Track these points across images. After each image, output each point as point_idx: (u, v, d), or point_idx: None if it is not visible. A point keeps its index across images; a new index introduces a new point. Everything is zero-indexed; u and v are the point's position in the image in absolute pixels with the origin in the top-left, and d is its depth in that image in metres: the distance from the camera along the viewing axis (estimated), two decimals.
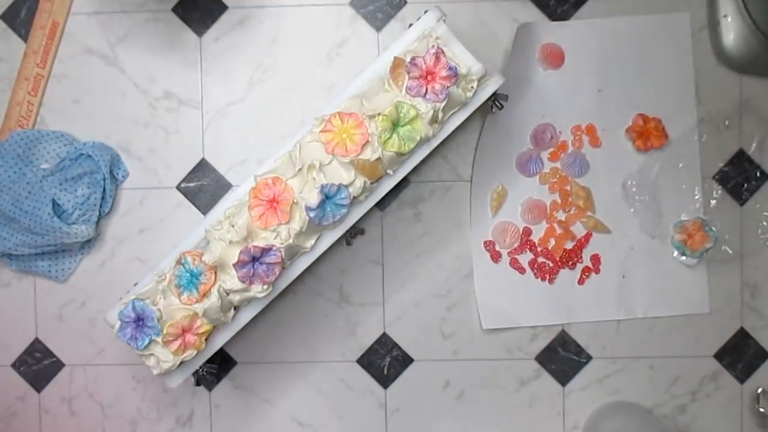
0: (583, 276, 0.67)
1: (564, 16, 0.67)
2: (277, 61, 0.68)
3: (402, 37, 0.58)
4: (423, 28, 0.57)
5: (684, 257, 0.67)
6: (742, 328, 0.68)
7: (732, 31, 0.65)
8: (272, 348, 0.69)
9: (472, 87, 0.57)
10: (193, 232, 0.57)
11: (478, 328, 0.68)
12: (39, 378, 0.69)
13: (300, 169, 0.55)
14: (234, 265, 0.54)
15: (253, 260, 0.55)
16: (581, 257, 0.67)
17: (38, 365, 0.69)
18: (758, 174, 0.67)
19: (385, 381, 0.69)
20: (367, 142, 0.55)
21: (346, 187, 0.55)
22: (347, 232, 0.58)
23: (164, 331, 0.55)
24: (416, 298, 0.68)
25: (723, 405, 0.68)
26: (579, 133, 0.67)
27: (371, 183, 0.56)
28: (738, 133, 0.67)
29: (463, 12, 0.67)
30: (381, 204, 0.65)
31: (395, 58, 0.56)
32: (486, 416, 0.69)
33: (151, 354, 0.56)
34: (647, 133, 0.66)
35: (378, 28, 0.67)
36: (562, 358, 0.68)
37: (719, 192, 0.67)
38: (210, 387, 0.69)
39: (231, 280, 0.55)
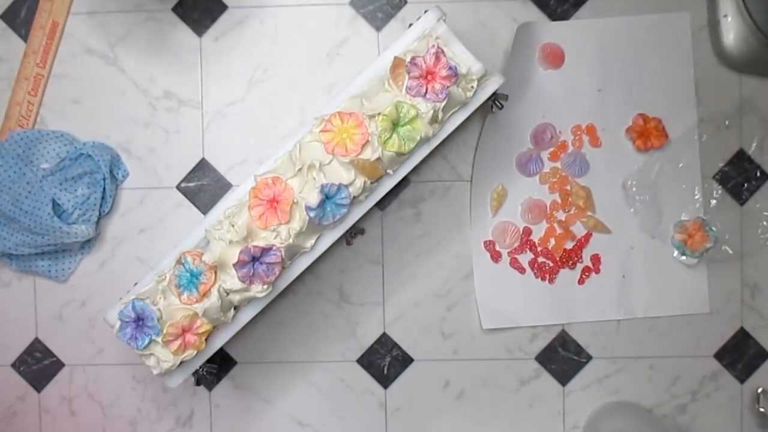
0: (583, 276, 0.67)
1: (564, 16, 0.67)
2: (277, 61, 0.68)
3: (402, 36, 0.58)
4: (423, 28, 0.57)
5: (684, 257, 0.67)
6: (742, 328, 0.68)
7: (732, 31, 0.65)
8: (272, 348, 0.69)
9: (472, 87, 0.57)
10: (193, 232, 0.57)
11: (478, 328, 0.68)
12: (39, 378, 0.69)
13: (300, 169, 0.55)
14: (234, 265, 0.54)
15: (253, 260, 0.55)
16: (581, 257, 0.67)
17: (38, 365, 0.69)
18: (758, 174, 0.67)
19: (385, 381, 0.69)
20: (367, 141, 0.55)
21: (346, 186, 0.55)
22: (347, 232, 0.58)
23: (164, 331, 0.55)
24: (416, 298, 0.68)
25: (723, 405, 0.68)
26: (579, 133, 0.67)
27: (371, 183, 0.56)
28: (738, 133, 0.67)
29: (463, 12, 0.67)
30: (381, 204, 0.65)
31: (395, 57, 0.56)
32: (486, 416, 0.69)
33: (151, 354, 0.56)
34: (647, 133, 0.66)
35: (378, 28, 0.67)
36: (562, 358, 0.68)
37: (719, 192, 0.67)
38: (210, 387, 0.69)
39: (231, 280, 0.55)
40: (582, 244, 0.67)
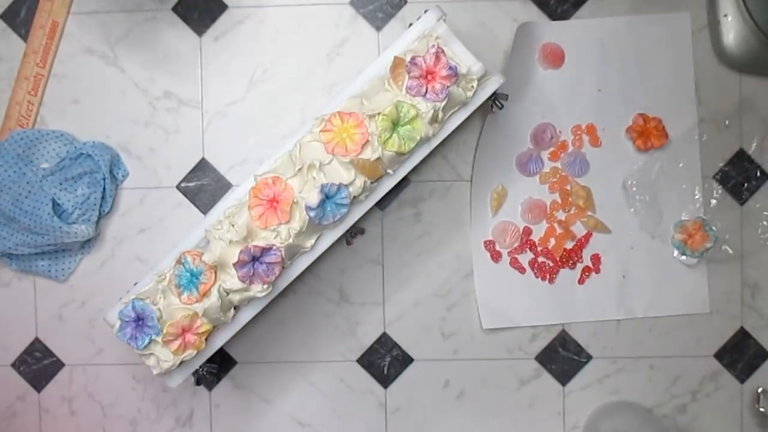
0: (583, 276, 0.67)
1: (564, 16, 0.67)
2: (277, 61, 0.68)
3: (402, 36, 0.58)
4: (423, 28, 0.57)
5: (684, 257, 0.67)
6: (742, 328, 0.68)
7: (732, 31, 0.65)
8: (272, 348, 0.69)
9: (472, 86, 0.57)
10: (193, 231, 0.57)
11: (478, 327, 0.68)
12: (39, 378, 0.69)
13: (300, 169, 0.55)
14: (234, 264, 0.54)
15: (253, 260, 0.55)
16: (581, 257, 0.67)
17: (38, 365, 0.69)
18: (758, 174, 0.67)
19: (385, 381, 0.69)
20: (367, 141, 0.55)
21: (346, 186, 0.55)
22: (347, 231, 0.58)
23: (164, 331, 0.55)
24: (416, 298, 0.68)
25: (723, 405, 0.68)
26: (579, 132, 0.67)
27: (371, 183, 0.56)
28: (738, 133, 0.67)
29: (463, 12, 0.67)
30: (381, 204, 0.65)
31: (395, 57, 0.56)
32: (486, 416, 0.69)
33: (151, 354, 0.56)
34: (647, 133, 0.66)
35: (378, 28, 0.67)
36: (562, 357, 0.68)
37: (719, 192, 0.67)
38: (210, 387, 0.69)
39: (231, 280, 0.55)
40: (582, 244, 0.67)
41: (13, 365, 0.69)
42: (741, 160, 0.67)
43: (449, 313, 0.68)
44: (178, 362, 0.56)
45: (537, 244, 0.67)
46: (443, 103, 0.55)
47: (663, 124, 0.67)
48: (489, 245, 0.68)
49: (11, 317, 0.69)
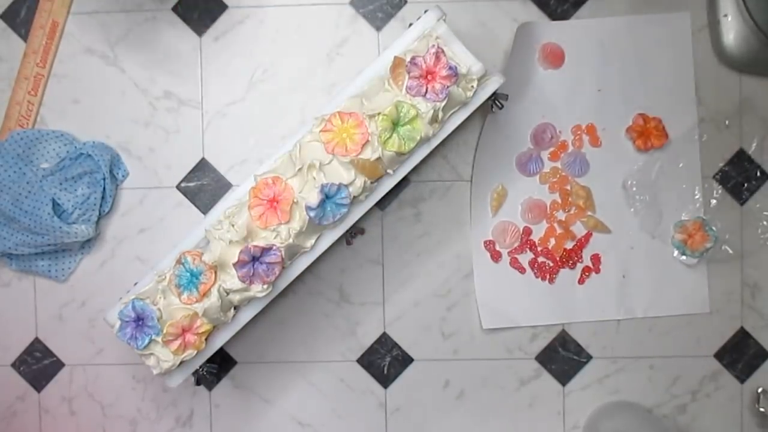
0: (583, 276, 0.67)
1: (564, 16, 0.67)
2: (277, 61, 0.68)
3: (402, 36, 0.58)
4: (423, 28, 0.57)
5: (684, 257, 0.67)
6: (742, 328, 0.68)
7: (732, 31, 0.65)
8: (272, 348, 0.69)
9: (472, 86, 0.57)
10: (193, 231, 0.57)
11: (478, 328, 0.68)
12: (39, 378, 0.69)
13: (300, 169, 0.55)
14: (234, 264, 0.54)
15: (253, 260, 0.55)
16: (581, 257, 0.67)
17: (38, 365, 0.69)
18: (758, 174, 0.67)
19: (385, 381, 0.69)
20: (367, 141, 0.55)
21: (346, 186, 0.55)
22: (347, 231, 0.58)
23: (164, 331, 0.55)
24: (416, 298, 0.68)
25: (723, 405, 0.68)
26: (579, 132, 0.67)
27: (371, 183, 0.56)
28: (738, 133, 0.67)
29: (463, 12, 0.67)
30: (381, 204, 0.65)
31: (395, 57, 0.56)
32: (486, 416, 0.69)
33: (151, 354, 0.56)
34: (647, 133, 0.66)
35: (378, 28, 0.67)
36: (562, 357, 0.68)
37: (719, 192, 0.67)
38: (210, 387, 0.69)
39: (231, 280, 0.55)
40: (582, 244, 0.67)
41: (13, 365, 0.69)
42: (741, 160, 0.67)
43: (449, 313, 0.68)
44: (178, 362, 0.56)
45: (537, 244, 0.67)
46: (443, 103, 0.55)
47: (663, 124, 0.67)
48: (489, 245, 0.68)
49: (11, 317, 0.69)
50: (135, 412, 0.69)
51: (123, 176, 0.68)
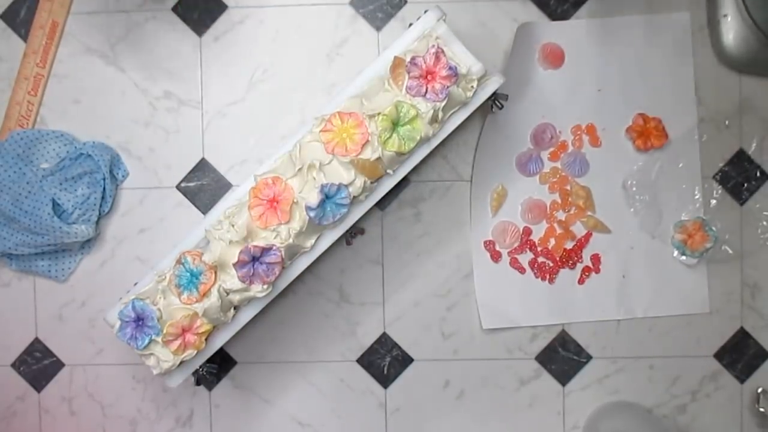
0: (583, 276, 0.67)
1: (564, 16, 0.67)
2: (277, 61, 0.68)
3: (402, 36, 0.58)
4: (423, 28, 0.57)
5: (684, 257, 0.67)
6: (742, 328, 0.68)
7: (732, 31, 0.65)
8: (272, 348, 0.69)
9: (472, 87, 0.57)
10: (193, 232, 0.57)
11: (478, 328, 0.68)
12: (39, 378, 0.69)
13: (300, 169, 0.55)
14: (234, 264, 0.54)
15: (253, 260, 0.55)
16: (581, 257, 0.67)
17: (38, 365, 0.69)
18: (758, 174, 0.67)
19: (385, 381, 0.69)
20: (367, 141, 0.55)
21: (346, 186, 0.55)
22: (347, 231, 0.58)
23: (164, 331, 0.55)
24: (416, 298, 0.68)
25: (723, 405, 0.68)
26: (579, 132, 0.67)
27: (371, 183, 0.56)
28: (738, 133, 0.67)
29: (463, 12, 0.67)
30: (381, 204, 0.65)
31: (395, 57, 0.56)
32: (486, 416, 0.69)
33: (151, 354, 0.56)
34: (647, 133, 0.66)
35: (378, 28, 0.67)
36: (562, 357, 0.68)
37: (719, 192, 0.67)
38: (210, 387, 0.69)
39: (231, 280, 0.55)
40: (582, 244, 0.67)
41: (13, 365, 0.69)
42: (741, 160, 0.67)
43: (449, 313, 0.68)
44: (178, 362, 0.56)
45: (537, 244, 0.67)
46: (443, 103, 0.55)
47: (663, 124, 0.67)
48: (489, 245, 0.68)
49: (11, 317, 0.69)
50: (135, 412, 0.69)
51: (123, 176, 0.68)
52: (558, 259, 0.67)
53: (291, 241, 0.55)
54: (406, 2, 0.67)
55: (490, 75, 0.58)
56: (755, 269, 0.67)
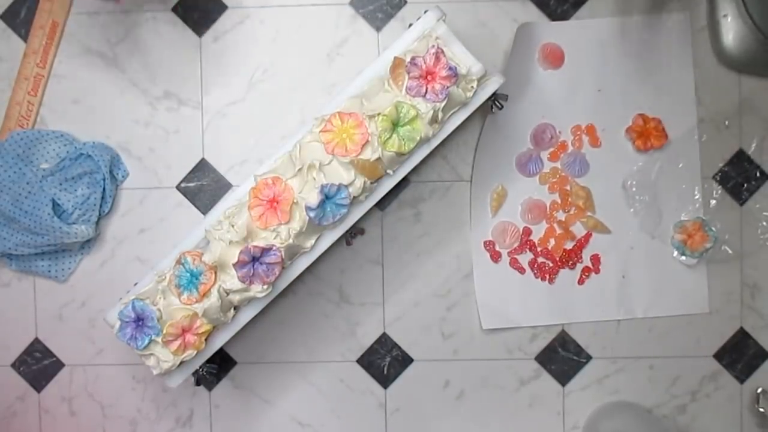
0: (583, 276, 0.68)
1: (564, 16, 0.67)
2: (277, 61, 0.68)
3: (402, 37, 0.58)
4: (423, 28, 0.57)
5: (684, 257, 0.67)
6: (741, 328, 0.68)
7: (732, 31, 0.65)
8: (272, 348, 0.69)
9: (472, 87, 0.57)
10: (193, 232, 0.57)
11: (478, 328, 0.68)
12: (39, 378, 0.69)
13: (300, 169, 0.55)
14: (234, 265, 0.54)
15: (253, 260, 0.55)
16: (581, 257, 0.67)
17: (38, 365, 0.69)
18: (758, 174, 0.67)
19: (385, 381, 0.69)
20: (367, 142, 0.55)
21: (346, 187, 0.55)
22: (347, 232, 0.58)
23: (164, 331, 0.55)
24: (416, 298, 0.68)
25: (723, 405, 0.68)
26: (579, 133, 0.67)
27: (371, 183, 0.56)
28: (738, 133, 0.67)
29: (463, 12, 0.67)
30: (381, 204, 0.65)
31: (395, 58, 0.56)
32: (486, 416, 0.69)
33: (151, 354, 0.56)
34: (647, 133, 0.66)
35: (378, 28, 0.67)
36: (562, 358, 0.68)
37: (719, 192, 0.67)
38: (210, 387, 0.69)
39: (231, 280, 0.55)
40: (582, 244, 0.67)
41: (13, 365, 0.69)
42: (741, 160, 0.67)
43: (449, 314, 0.68)
44: (178, 362, 0.56)
45: (537, 244, 0.67)
46: (443, 104, 0.55)
47: (663, 124, 0.67)
48: (489, 245, 0.68)
49: (11, 317, 0.69)
50: (135, 413, 0.69)
51: (123, 176, 0.68)
52: (558, 259, 0.67)
53: (291, 241, 0.55)
54: (406, 2, 0.67)
55: (490, 75, 0.58)
56: (755, 269, 0.67)
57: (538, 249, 0.67)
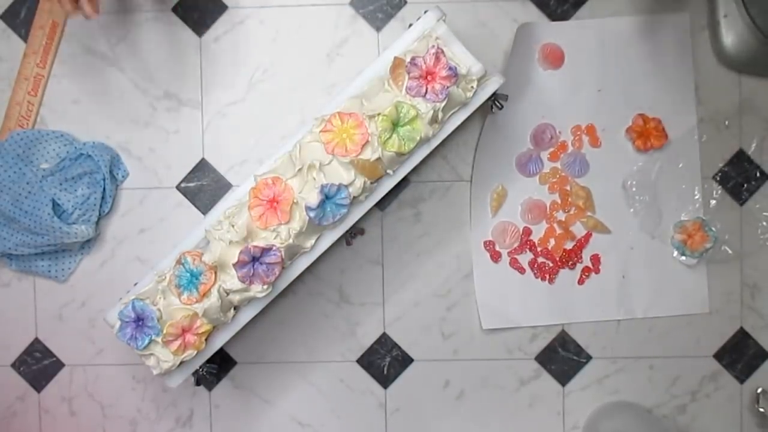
0: (583, 276, 0.67)
1: (564, 16, 0.67)
2: (277, 61, 0.68)
3: (402, 37, 0.58)
4: (423, 28, 0.57)
5: (684, 257, 0.67)
6: (741, 328, 0.68)
7: (732, 31, 0.65)
8: (272, 348, 0.69)
9: (472, 87, 0.57)
10: (193, 232, 0.57)
11: (478, 328, 0.68)
12: (39, 378, 0.69)
13: (300, 169, 0.55)
14: (234, 265, 0.54)
15: (253, 260, 0.55)
16: (581, 257, 0.67)
17: (38, 365, 0.69)
18: (758, 174, 0.67)
19: (385, 381, 0.69)
20: (367, 142, 0.55)
21: (346, 187, 0.55)
22: (347, 232, 0.58)
23: (164, 331, 0.55)
24: (416, 298, 0.68)
25: (723, 405, 0.68)
26: (579, 133, 0.67)
27: (371, 183, 0.56)
28: (738, 133, 0.67)
29: (463, 12, 0.67)
30: (381, 204, 0.65)
31: (395, 58, 0.56)
32: (486, 416, 0.69)
33: (151, 354, 0.56)
34: (647, 133, 0.66)
35: (378, 28, 0.67)
36: (562, 358, 0.68)
37: (719, 192, 0.67)
38: (210, 387, 0.69)
39: (231, 280, 0.55)
40: (582, 244, 0.67)
41: (13, 365, 0.69)
42: (741, 160, 0.67)
43: (449, 313, 0.68)
44: (178, 362, 0.56)
45: (537, 244, 0.67)
46: (443, 104, 0.55)
47: (663, 124, 0.67)
48: (489, 245, 0.68)
49: (11, 317, 0.69)
50: (135, 412, 0.69)
51: (123, 176, 0.68)
52: (558, 259, 0.67)
53: (291, 241, 0.55)
54: (406, 3, 0.67)
55: (490, 75, 0.58)
56: (755, 269, 0.67)
57: (538, 249, 0.67)
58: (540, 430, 0.68)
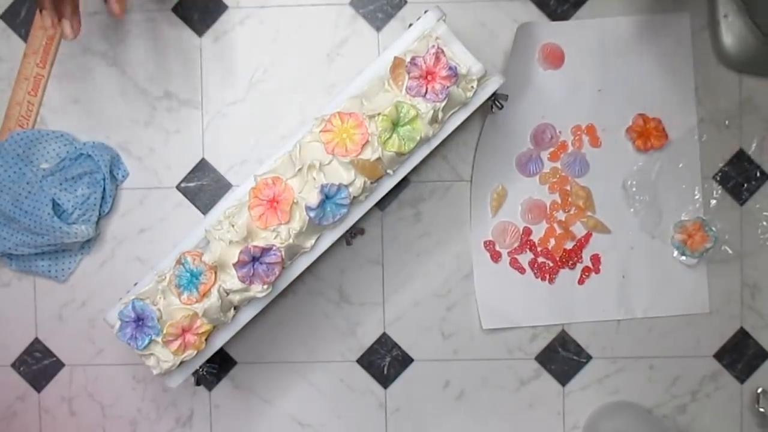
0: (583, 276, 0.67)
1: (564, 16, 0.67)
2: (277, 61, 0.68)
3: (402, 37, 0.58)
4: (423, 28, 0.57)
5: (684, 257, 0.67)
6: (742, 328, 0.68)
7: (732, 31, 0.65)
8: (272, 348, 0.69)
9: (472, 87, 0.57)
10: (193, 232, 0.57)
11: (478, 328, 0.68)
12: (39, 378, 0.69)
13: (300, 169, 0.55)
14: (234, 265, 0.54)
15: (253, 260, 0.55)
16: (581, 257, 0.67)
17: (38, 365, 0.69)
18: (758, 174, 0.67)
19: (385, 381, 0.69)
20: (367, 142, 0.55)
21: (346, 187, 0.55)
22: (347, 232, 0.58)
23: (164, 331, 0.55)
24: (416, 298, 0.68)
25: (723, 405, 0.68)
26: (579, 133, 0.67)
27: (371, 183, 0.56)
28: (738, 133, 0.67)
29: (463, 12, 0.67)
30: (381, 204, 0.65)
31: (395, 57, 0.56)
32: (486, 416, 0.69)
33: (151, 354, 0.56)
34: (647, 133, 0.66)
35: (378, 28, 0.67)
36: (562, 358, 0.68)
37: (719, 192, 0.67)
38: (210, 387, 0.69)
39: (231, 280, 0.55)
40: (582, 244, 0.67)
41: (13, 365, 0.69)
42: (741, 160, 0.67)
43: (449, 313, 0.68)
44: (178, 362, 0.56)
45: (537, 244, 0.67)
46: (443, 104, 0.55)
47: (663, 124, 0.67)
48: (489, 245, 0.68)
49: (11, 317, 0.69)
50: (135, 413, 0.69)
51: (123, 176, 0.68)
52: (558, 259, 0.67)
53: (291, 241, 0.55)
54: (406, 2, 0.67)
55: (490, 75, 0.58)
56: (755, 269, 0.67)
57: (538, 249, 0.67)
58: (540, 430, 0.68)
